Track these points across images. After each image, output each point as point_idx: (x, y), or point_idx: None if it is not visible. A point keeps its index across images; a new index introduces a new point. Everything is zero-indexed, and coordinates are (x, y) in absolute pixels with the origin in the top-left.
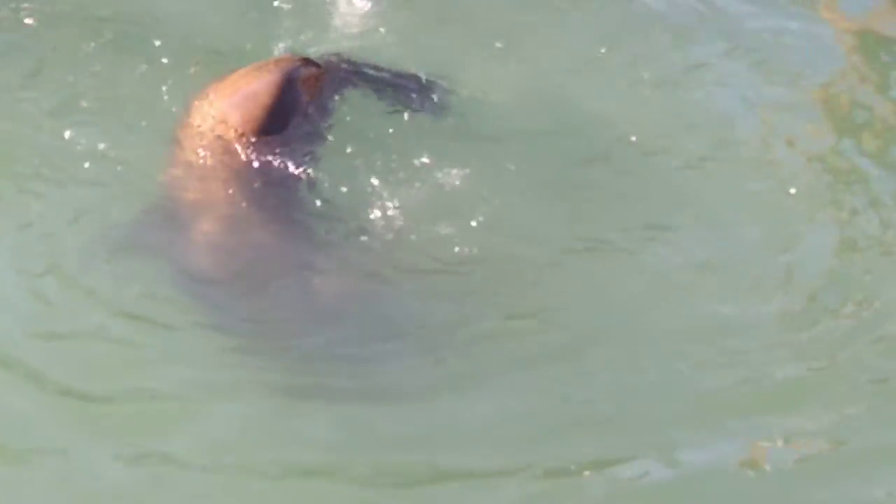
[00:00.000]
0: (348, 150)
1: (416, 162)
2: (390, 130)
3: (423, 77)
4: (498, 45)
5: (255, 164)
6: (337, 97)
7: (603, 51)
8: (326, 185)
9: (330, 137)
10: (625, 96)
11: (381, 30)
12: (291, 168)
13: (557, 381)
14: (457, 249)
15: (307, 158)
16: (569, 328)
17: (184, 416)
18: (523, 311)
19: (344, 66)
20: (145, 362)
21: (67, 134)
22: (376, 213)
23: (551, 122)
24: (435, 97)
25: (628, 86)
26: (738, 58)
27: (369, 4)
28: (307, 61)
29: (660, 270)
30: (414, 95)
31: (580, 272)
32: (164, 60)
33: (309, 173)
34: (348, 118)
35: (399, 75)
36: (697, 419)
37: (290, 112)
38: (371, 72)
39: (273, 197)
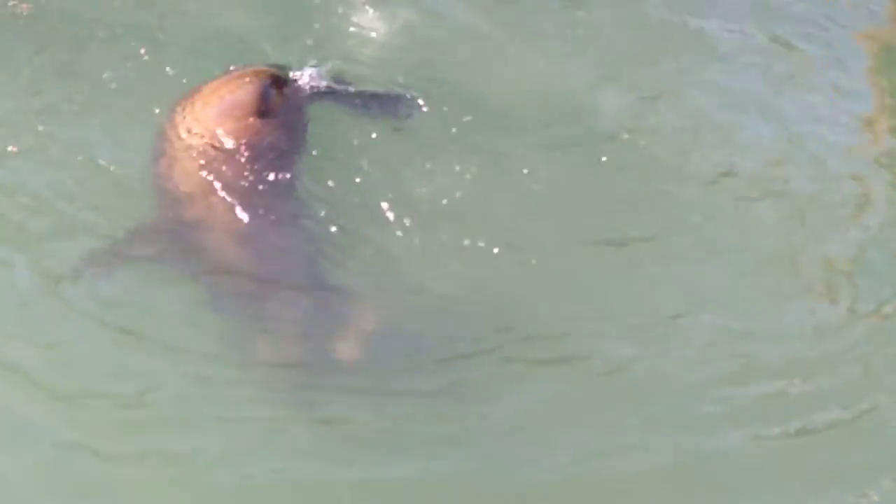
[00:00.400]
0: (345, 158)
1: (420, 170)
2: (393, 139)
3: (388, 89)
4: (512, 51)
5: (254, 171)
6: (307, 107)
7: (621, 59)
8: (326, 189)
9: (313, 144)
10: (646, 106)
11: (393, 36)
12: (286, 174)
13: (572, 412)
14: (465, 265)
15: (298, 164)
16: (583, 353)
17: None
18: (536, 334)
19: (308, 83)
20: (147, 416)
21: (68, 138)
22: (382, 228)
23: (565, 128)
24: (401, 108)
25: (650, 95)
26: (767, 70)
27: (377, 10)
28: (275, 74)
29: (682, 292)
30: (378, 106)
31: (596, 290)
32: (166, 62)
33: (303, 180)
34: (340, 130)
35: (363, 89)
36: (709, 434)
37: (275, 119)
38: (336, 85)
39: (275, 204)
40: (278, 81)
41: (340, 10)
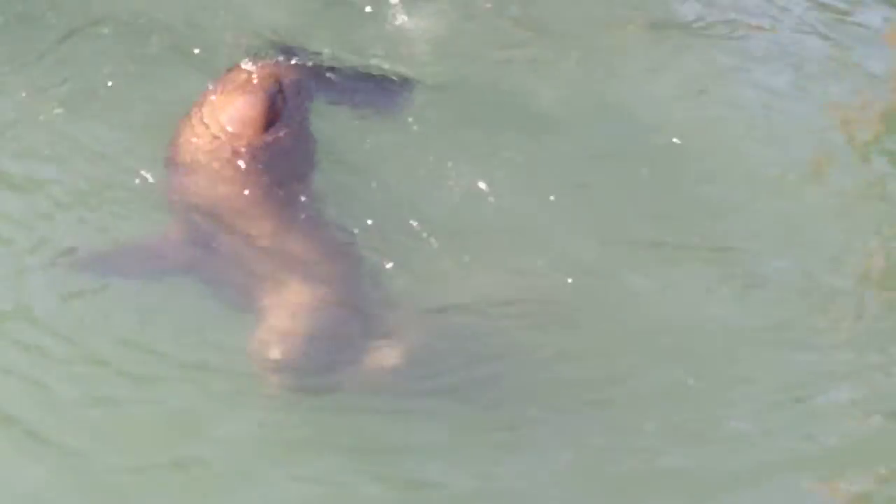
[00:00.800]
0: (373, 162)
1: (452, 176)
2: (426, 142)
3: (383, 76)
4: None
5: (270, 178)
6: (309, 103)
7: (663, 61)
8: (351, 195)
9: (340, 148)
10: (691, 109)
11: (429, 36)
12: (303, 178)
13: (604, 431)
14: (498, 279)
15: (312, 166)
16: (624, 381)
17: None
18: (567, 352)
19: (302, 72)
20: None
21: (77, 139)
22: (409, 236)
23: (606, 133)
24: (396, 96)
25: (695, 97)
26: (807, 78)
27: (414, 10)
28: (279, 77)
29: (720, 309)
30: (375, 96)
31: (631, 304)
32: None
33: (320, 184)
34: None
35: (360, 77)
36: (762, 479)
37: (283, 121)
38: (333, 76)
39: (296, 210)
40: (282, 83)
41: (376, 9)
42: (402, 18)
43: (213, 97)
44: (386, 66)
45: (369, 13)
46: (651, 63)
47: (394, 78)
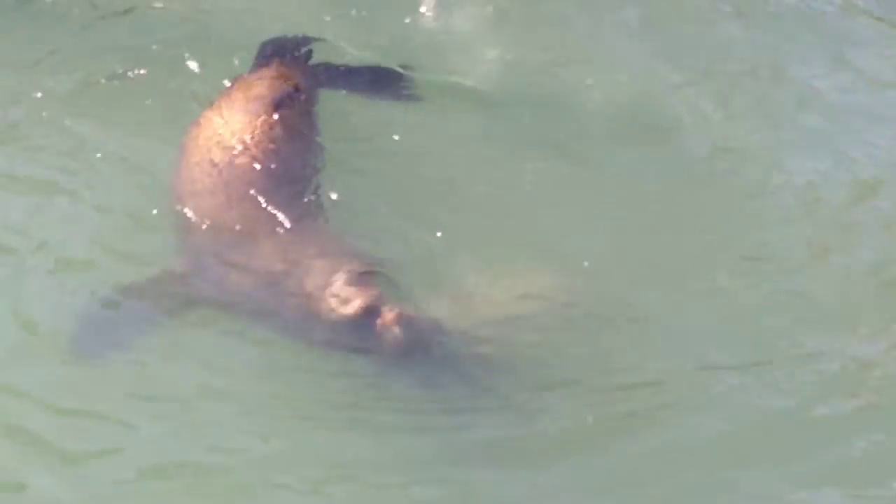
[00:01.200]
0: (410, 167)
1: (486, 179)
2: (462, 145)
3: (389, 68)
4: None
5: (284, 180)
6: (315, 107)
7: (706, 71)
8: (378, 196)
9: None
10: (736, 120)
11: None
12: (311, 179)
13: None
14: (524, 289)
15: (319, 165)
16: (656, 402)
17: None
18: (605, 379)
19: (308, 75)
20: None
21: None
22: (424, 242)
23: (647, 139)
24: (402, 86)
25: (740, 109)
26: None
27: (454, 11)
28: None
29: (759, 337)
30: (382, 87)
31: (672, 325)
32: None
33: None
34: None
35: (367, 70)
36: None
37: (289, 129)
38: (343, 72)
39: (311, 212)
40: (286, 93)
41: (416, 11)
42: (431, 23)
43: (217, 116)
44: (406, 66)
45: (400, 14)
46: (701, 76)
47: (399, 72)
